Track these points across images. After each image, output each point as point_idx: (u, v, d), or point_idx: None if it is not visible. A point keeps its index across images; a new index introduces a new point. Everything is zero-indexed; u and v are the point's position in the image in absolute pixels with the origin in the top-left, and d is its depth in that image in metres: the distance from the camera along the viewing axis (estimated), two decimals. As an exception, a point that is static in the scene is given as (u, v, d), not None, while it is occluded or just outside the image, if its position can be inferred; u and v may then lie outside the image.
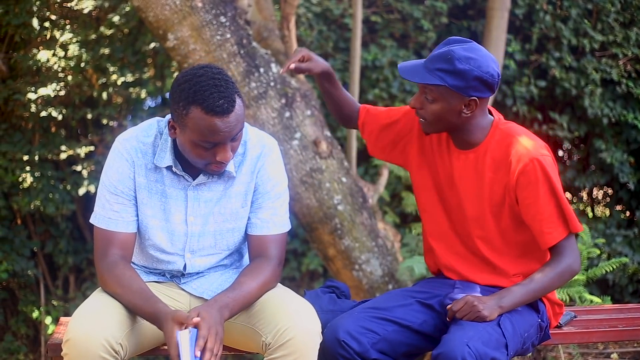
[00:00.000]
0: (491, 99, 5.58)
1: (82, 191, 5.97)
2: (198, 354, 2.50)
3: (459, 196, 3.00)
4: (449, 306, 2.84)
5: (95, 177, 5.96)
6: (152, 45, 5.99)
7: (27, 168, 5.95)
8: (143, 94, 6.11)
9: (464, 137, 2.96)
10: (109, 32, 6.07)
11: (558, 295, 4.54)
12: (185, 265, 2.85)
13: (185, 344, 2.48)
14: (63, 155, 6.01)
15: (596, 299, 4.68)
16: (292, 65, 3.06)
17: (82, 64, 6.02)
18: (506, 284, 2.95)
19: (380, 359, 2.84)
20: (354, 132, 5.40)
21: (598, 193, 6.89)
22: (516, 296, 2.85)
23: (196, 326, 2.52)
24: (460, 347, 2.64)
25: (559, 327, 3.14)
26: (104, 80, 6.05)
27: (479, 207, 2.96)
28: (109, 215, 2.75)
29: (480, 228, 2.98)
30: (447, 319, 2.84)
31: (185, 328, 2.52)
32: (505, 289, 2.86)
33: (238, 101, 2.62)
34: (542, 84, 6.17)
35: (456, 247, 3.05)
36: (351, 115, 3.24)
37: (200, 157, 2.65)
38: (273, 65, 4.87)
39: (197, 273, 2.89)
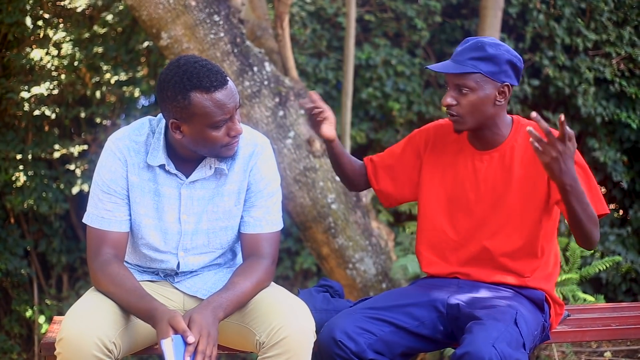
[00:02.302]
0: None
1: (75, 190, 5.96)
2: (188, 359, 2.49)
3: (481, 197, 3.01)
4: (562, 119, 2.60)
5: (88, 176, 5.94)
6: (146, 44, 5.98)
7: (20, 167, 5.94)
8: (136, 93, 6.10)
9: (490, 135, 2.99)
10: (102, 30, 6.06)
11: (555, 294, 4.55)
12: (178, 263, 2.85)
13: (169, 353, 2.47)
14: (56, 154, 6.00)
15: (589, 298, 4.69)
16: (309, 105, 3.07)
17: (76, 63, 6.01)
18: (512, 281, 2.98)
19: (376, 359, 2.84)
20: (347, 131, 5.40)
21: (591, 192, 6.89)
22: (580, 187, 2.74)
23: (184, 332, 2.51)
24: (487, 349, 2.62)
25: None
26: (97, 79, 6.04)
27: (505, 203, 2.98)
28: (101, 214, 2.75)
29: (499, 225, 2.99)
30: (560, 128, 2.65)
31: (175, 334, 2.51)
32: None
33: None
34: (536, 82, 6.17)
35: (466, 248, 3.05)
36: (360, 171, 3.24)
37: (215, 141, 2.67)
38: (267, 64, 4.86)
39: (191, 272, 2.89)
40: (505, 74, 2.90)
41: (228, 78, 2.68)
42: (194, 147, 2.71)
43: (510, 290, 2.98)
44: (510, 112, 6.09)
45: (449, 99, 2.92)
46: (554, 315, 3.08)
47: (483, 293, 2.96)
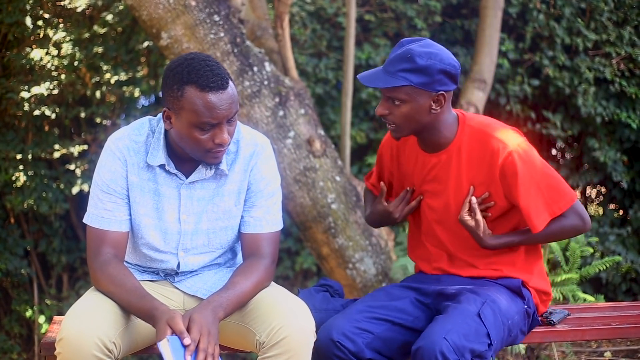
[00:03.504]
0: (484, 98, 5.60)
1: (75, 190, 5.96)
2: (189, 358, 2.48)
3: (435, 198, 3.05)
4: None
5: (88, 176, 5.94)
6: (146, 43, 5.98)
7: (20, 167, 5.94)
8: (136, 93, 6.10)
9: (433, 139, 2.98)
10: (102, 30, 6.06)
11: (553, 294, 4.56)
12: (178, 263, 2.85)
13: (167, 354, 2.47)
14: (56, 154, 5.99)
15: (589, 298, 4.70)
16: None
17: (76, 63, 6.01)
18: (486, 274, 3.04)
19: (375, 359, 2.85)
20: (347, 131, 5.40)
21: (591, 192, 6.89)
22: (516, 240, 2.99)
23: (181, 334, 2.51)
24: (439, 341, 2.67)
25: (552, 324, 3.16)
26: (97, 79, 6.03)
27: (457, 204, 3.01)
28: (101, 214, 2.75)
29: (455, 226, 3.04)
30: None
31: (172, 334, 2.51)
32: (513, 234, 2.99)
33: (230, 82, 2.65)
34: (536, 82, 6.17)
35: (440, 247, 3.10)
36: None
37: (198, 142, 2.65)
38: (267, 64, 4.86)
39: (191, 272, 2.89)
40: (439, 82, 2.84)
41: (230, 86, 2.65)
42: (179, 142, 2.70)
43: (488, 281, 3.03)
44: (509, 112, 6.14)
45: (381, 109, 2.90)
46: (538, 302, 3.11)
47: (457, 286, 3.01)
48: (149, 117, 2.85)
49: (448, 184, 3.00)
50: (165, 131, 2.77)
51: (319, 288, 3.21)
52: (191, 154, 2.71)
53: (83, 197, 5.87)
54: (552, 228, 2.98)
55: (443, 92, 2.86)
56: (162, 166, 2.78)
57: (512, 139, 2.93)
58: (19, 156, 5.91)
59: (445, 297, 2.95)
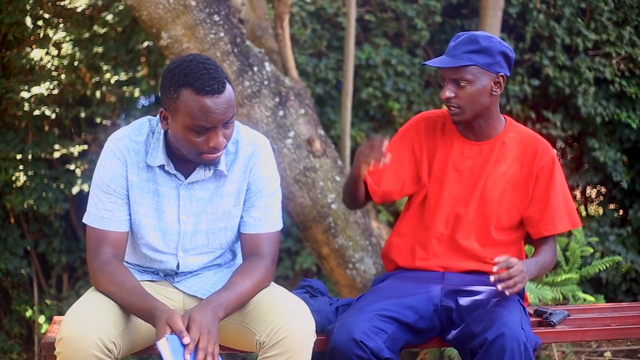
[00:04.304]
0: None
1: (75, 190, 5.96)
2: (188, 357, 2.48)
3: (464, 187, 3.09)
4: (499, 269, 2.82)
5: (88, 176, 5.94)
6: (146, 43, 5.98)
7: (21, 167, 5.94)
8: (136, 93, 6.10)
9: (484, 126, 3.09)
10: (102, 30, 6.06)
11: (551, 293, 4.57)
12: (178, 264, 2.85)
13: (166, 353, 2.47)
14: (56, 154, 6.00)
15: (589, 298, 4.69)
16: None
17: (76, 63, 6.01)
18: (484, 268, 3.07)
19: (392, 358, 2.86)
20: (347, 130, 5.40)
21: (591, 192, 6.89)
22: (535, 270, 3.00)
23: (180, 333, 2.50)
24: (520, 331, 2.75)
25: (552, 325, 3.16)
26: (97, 79, 6.03)
27: (489, 196, 3.06)
28: (101, 214, 2.75)
29: (478, 218, 3.07)
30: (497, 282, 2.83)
31: (172, 333, 2.51)
32: (528, 262, 2.98)
33: (228, 86, 2.64)
34: (536, 82, 6.17)
35: (442, 239, 3.12)
36: (363, 187, 3.21)
37: (192, 145, 2.65)
38: (267, 64, 4.86)
39: (191, 272, 2.89)
40: (499, 64, 3.01)
41: (227, 90, 2.63)
42: (175, 143, 2.70)
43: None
44: (510, 112, 6.14)
45: (447, 93, 3.02)
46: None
47: (475, 283, 3.04)
48: (148, 117, 2.84)
49: (481, 175, 3.08)
50: (165, 131, 2.77)
51: (299, 290, 3.21)
52: (187, 155, 2.71)
53: (83, 197, 5.87)
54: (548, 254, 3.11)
55: (502, 75, 3.03)
56: (161, 167, 2.78)
57: (552, 148, 3.15)
58: (19, 156, 5.91)
59: (468, 293, 2.99)
